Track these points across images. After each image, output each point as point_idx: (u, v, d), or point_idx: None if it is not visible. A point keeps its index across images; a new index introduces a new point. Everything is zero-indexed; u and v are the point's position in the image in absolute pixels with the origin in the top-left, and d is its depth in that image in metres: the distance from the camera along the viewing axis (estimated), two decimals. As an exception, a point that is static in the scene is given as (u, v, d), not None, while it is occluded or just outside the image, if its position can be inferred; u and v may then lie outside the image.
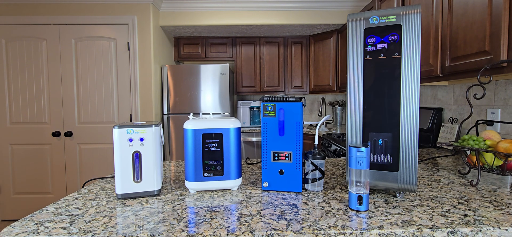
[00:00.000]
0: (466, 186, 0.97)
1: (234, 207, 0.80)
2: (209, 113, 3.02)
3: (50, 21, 2.67)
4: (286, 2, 2.94)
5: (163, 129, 2.49)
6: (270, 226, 0.67)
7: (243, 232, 0.64)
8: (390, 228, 0.65)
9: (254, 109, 3.35)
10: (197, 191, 0.94)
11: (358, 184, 0.75)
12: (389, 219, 0.70)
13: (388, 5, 1.99)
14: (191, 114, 1.07)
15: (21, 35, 2.69)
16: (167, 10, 2.97)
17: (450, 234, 0.64)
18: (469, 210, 0.76)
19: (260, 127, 1.88)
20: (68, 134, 2.74)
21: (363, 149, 0.74)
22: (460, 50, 1.29)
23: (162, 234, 0.64)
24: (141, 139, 0.88)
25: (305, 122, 3.73)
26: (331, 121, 3.69)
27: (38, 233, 0.65)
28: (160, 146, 0.94)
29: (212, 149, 0.91)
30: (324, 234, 0.63)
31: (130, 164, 0.87)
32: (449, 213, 0.73)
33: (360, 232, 0.64)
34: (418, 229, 0.65)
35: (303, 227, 0.66)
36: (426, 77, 1.55)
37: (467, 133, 1.17)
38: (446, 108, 1.84)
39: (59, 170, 2.78)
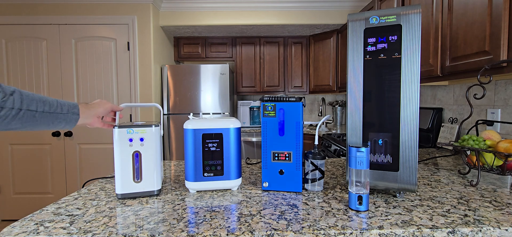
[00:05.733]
0: (466, 186, 0.97)
1: (234, 207, 0.80)
2: (209, 113, 3.02)
3: (50, 21, 2.67)
4: (286, 2, 2.94)
5: (163, 129, 2.48)
6: (270, 226, 0.67)
7: (243, 232, 0.64)
8: (390, 228, 0.65)
9: (254, 109, 3.35)
10: (197, 191, 0.94)
11: (358, 184, 0.75)
12: (389, 219, 0.70)
13: (388, 5, 1.99)
14: (191, 114, 1.07)
15: (21, 35, 2.69)
16: (167, 10, 2.97)
17: (450, 234, 0.64)
18: (469, 210, 0.76)
19: (260, 127, 1.88)
20: (68, 134, 2.74)
21: (363, 149, 0.74)
22: (460, 50, 1.29)
23: (162, 234, 0.64)
24: (141, 139, 0.88)
25: (305, 122, 3.73)
26: (331, 121, 3.69)
27: (38, 233, 0.65)
28: (160, 146, 0.94)
29: (212, 149, 0.91)
30: (324, 234, 0.63)
31: (130, 164, 0.87)
32: (449, 213, 0.73)
33: (360, 232, 0.64)
34: (418, 229, 0.65)
35: (303, 227, 0.66)
36: (426, 77, 1.55)
37: (467, 133, 1.17)
38: (446, 108, 1.84)
39: (59, 170, 2.78)
